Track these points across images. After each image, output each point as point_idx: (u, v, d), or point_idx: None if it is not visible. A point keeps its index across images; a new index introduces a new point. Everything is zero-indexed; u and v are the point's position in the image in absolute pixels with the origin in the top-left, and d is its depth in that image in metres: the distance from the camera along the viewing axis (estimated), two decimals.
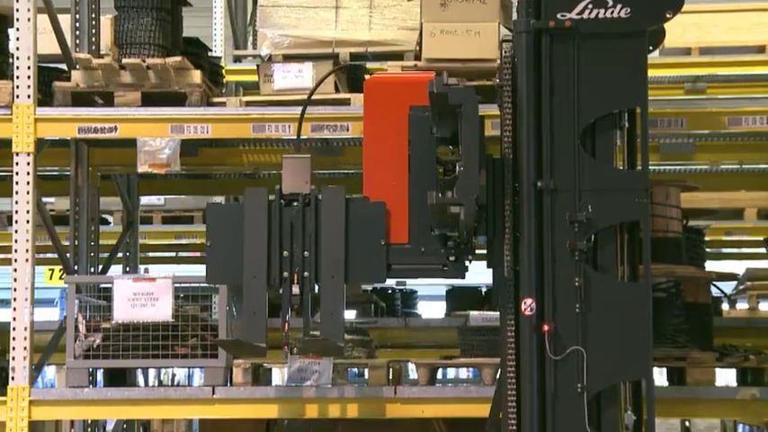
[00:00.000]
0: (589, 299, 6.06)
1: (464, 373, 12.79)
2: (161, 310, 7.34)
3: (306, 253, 6.32)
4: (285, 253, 6.33)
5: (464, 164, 5.96)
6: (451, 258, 6.26)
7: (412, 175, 6.32)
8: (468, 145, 5.98)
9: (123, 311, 7.35)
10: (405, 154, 6.33)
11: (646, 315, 6.09)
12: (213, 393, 7.29)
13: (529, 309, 6.06)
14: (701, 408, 7.38)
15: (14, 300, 7.41)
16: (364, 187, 6.40)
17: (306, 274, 6.32)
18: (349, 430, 8.31)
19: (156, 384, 11.56)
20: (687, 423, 11.71)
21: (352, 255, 6.33)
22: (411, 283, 11.65)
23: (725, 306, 11.29)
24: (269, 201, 6.36)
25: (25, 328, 7.40)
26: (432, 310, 13.96)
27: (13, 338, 7.40)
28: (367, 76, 6.62)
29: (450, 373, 12.77)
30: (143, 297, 7.34)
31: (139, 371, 8.65)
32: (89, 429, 8.69)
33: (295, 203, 6.37)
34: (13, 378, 7.39)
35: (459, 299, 10.53)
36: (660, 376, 7.67)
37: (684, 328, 7.34)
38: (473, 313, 7.38)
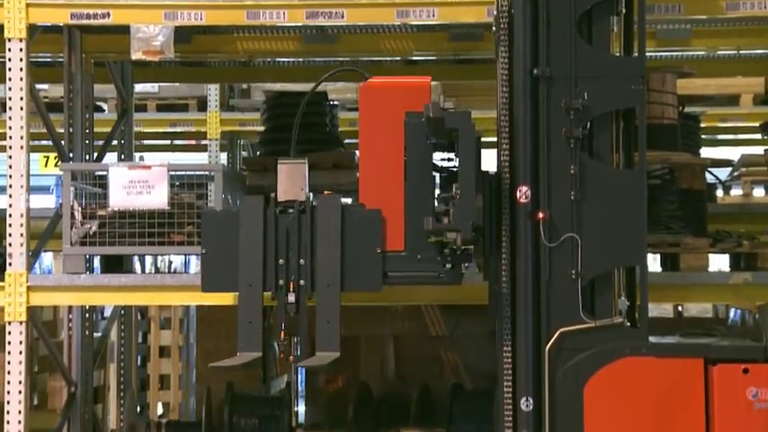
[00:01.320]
0: (584, 186, 6.08)
1: None
2: (156, 197, 7.35)
3: (301, 261, 6.34)
4: (281, 261, 6.34)
5: (461, 188, 5.97)
6: (448, 266, 6.26)
7: (408, 181, 6.30)
8: (465, 169, 5.97)
9: (119, 199, 7.36)
10: (401, 160, 6.32)
11: (640, 202, 6.12)
12: None
13: (524, 196, 6.08)
14: (693, 293, 7.44)
15: (10, 187, 7.42)
16: (360, 193, 6.40)
17: (302, 282, 6.34)
18: (344, 317, 8.38)
19: (153, 272, 11.62)
20: (680, 308, 11.81)
21: (348, 263, 6.34)
22: None
23: (719, 192, 11.33)
24: (265, 208, 6.36)
25: (21, 215, 7.42)
26: None
27: (10, 225, 7.43)
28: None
29: None
30: (138, 185, 7.35)
31: (136, 258, 8.68)
32: (87, 315, 8.76)
33: (291, 210, 6.38)
34: (10, 264, 7.43)
35: None
36: (654, 262, 7.72)
37: (678, 215, 7.37)
38: None
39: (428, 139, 6.25)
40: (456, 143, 6.06)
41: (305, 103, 7.11)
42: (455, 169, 6.10)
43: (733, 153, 13.04)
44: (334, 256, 6.31)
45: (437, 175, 6.38)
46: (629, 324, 6.17)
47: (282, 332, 6.37)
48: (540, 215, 6.07)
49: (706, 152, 8.61)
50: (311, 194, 6.40)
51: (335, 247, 6.31)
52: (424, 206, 6.24)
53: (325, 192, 6.56)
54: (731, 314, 9.62)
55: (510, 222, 6.13)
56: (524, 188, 6.07)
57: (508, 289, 6.12)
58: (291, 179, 6.42)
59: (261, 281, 6.33)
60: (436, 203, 6.29)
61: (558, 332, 6.07)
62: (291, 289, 6.32)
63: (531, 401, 6.06)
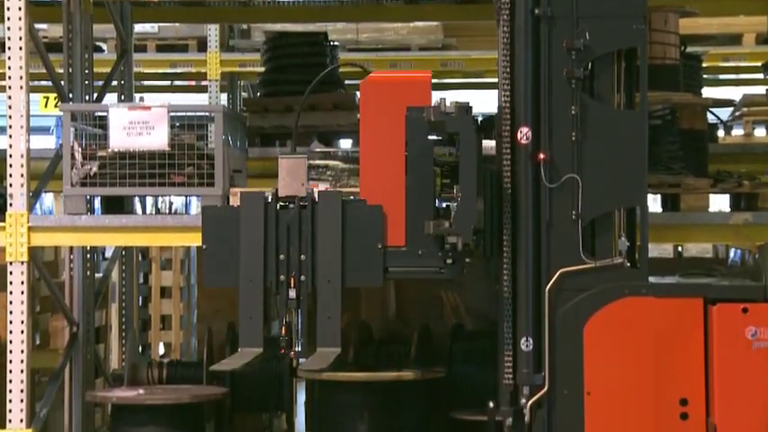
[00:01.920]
0: (585, 127, 6.07)
1: None
2: (157, 138, 7.33)
3: (302, 256, 6.34)
4: (282, 256, 6.34)
5: (462, 190, 5.95)
6: (449, 261, 6.25)
7: (409, 176, 6.27)
8: (466, 172, 5.96)
9: (119, 140, 7.35)
10: (402, 155, 6.29)
11: (641, 142, 6.11)
12: None
13: (524, 138, 6.07)
14: (693, 233, 7.45)
15: (10, 127, 7.40)
16: (361, 188, 6.38)
17: (302, 278, 6.34)
18: None
19: (154, 213, 11.62)
20: (680, 248, 11.83)
21: (349, 258, 6.33)
22: None
23: (721, 132, 11.30)
24: (265, 203, 6.35)
25: (22, 156, 7.41)
26: None
27: (10, 166, 7.42)
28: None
29: None
30: (138, 126, 7.33)
31: (136, 199, 8.68)
32: (88, 256, 8.77)
33: (291, 206, 6.36)
34: (11, 204, 7.44)
35: None
36: (654, 203, 7.72)
37: (679, 155, 7.36)
38: None
39: (429, 134, 6.25)
40: (457, 143, 6.07)
41: (309, 91, 7.05)
42: (456, 186, 6.10)
43: (735, 93, 13.00)
44: (335, 252, 6.31)
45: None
46: (629, 264, 6.18)
47: (283, 328, 6.39)
48: (541, 156, 6.07)
49: (708, 92, 8.57)
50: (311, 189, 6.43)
51: (336, 243, 6.31)
52: (424, 202, 6.25)
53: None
54: (731, 254, 9.65)
55: (511, 164, 6.12)
56: (525, 129, 6.06)
57: (509, 230, 6.12)
58: (292, 174, 6.43)
59: (262, 277, 6.34)
60: (438, 200, 6.32)
61: (558, 272, 6.09)
62: (292, 285, 6.33)
63: (531, 341, 6.09)
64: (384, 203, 6.32)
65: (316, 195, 6.35)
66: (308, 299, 6.38)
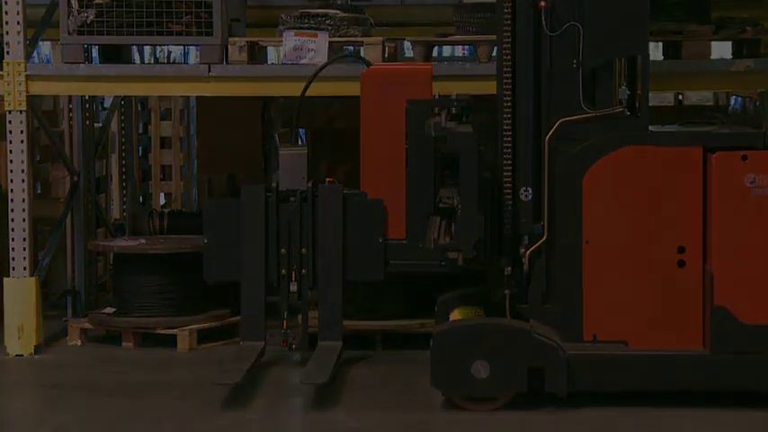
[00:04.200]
0: None
1: (459, 51, 12.78)
2: None
3: (303, 250, 6.34)
4: (283, 250, 6.35)
5: (462, 206, 5.92)
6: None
7: (410, 169, 6.25)
8: (467, 189, 5.93)
9: None
10: (403, 146, 6.26)
11: None
12: (209, 71, 7.31)
13: None
14: (695, 81, 7.43)
15: None
16: (362, 180, 6.35)
17: (303, 271, 6.36)
18: (345, 109, 8.37)
19: (152, 62, 11.54)
20: (680, 96, 11.78)
21: (350, 252, 6.36)
22: None
23: None
24: (266, 197, 6.34)
25: (17, 3, 7.36)
26: None
27: (6, 13, 7.37)
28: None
29: (446, 51, 12.77)
30: None
31: (135, 49, 8.62)
32: (87, 105, 8.75)
33: (292, 199, 6.32)
34: (8, 53, 7.40)
35: None
36: (656, 51, 7.67)
37: (682, 2, 7.29)
38: None
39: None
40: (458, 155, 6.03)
41: (306, 88, 6.93)
42: (457, 198, 6.08)
43: None
44: (336, 246, 6.36)
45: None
46: (629, 113, 6.18)
47: (284, 321, 6.43)
48: (542, 3, 6.01)
49: None
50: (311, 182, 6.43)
51: (337, 237, 6.36)
52: (425, 194, 6.28)
53: None
54: (732, 102, 9.61)
55: (511, 11, 6.07)
56: None
57: (509, 79, 6.10)
58: (293, 168, 6.40)
59: (263, 271, 6.40)
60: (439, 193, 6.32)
61: (558, 122, 6.08)
62: (293, 279, 6.37)
63: (531, 192, 6.12)
64: (385, 195, 6.37)
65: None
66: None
